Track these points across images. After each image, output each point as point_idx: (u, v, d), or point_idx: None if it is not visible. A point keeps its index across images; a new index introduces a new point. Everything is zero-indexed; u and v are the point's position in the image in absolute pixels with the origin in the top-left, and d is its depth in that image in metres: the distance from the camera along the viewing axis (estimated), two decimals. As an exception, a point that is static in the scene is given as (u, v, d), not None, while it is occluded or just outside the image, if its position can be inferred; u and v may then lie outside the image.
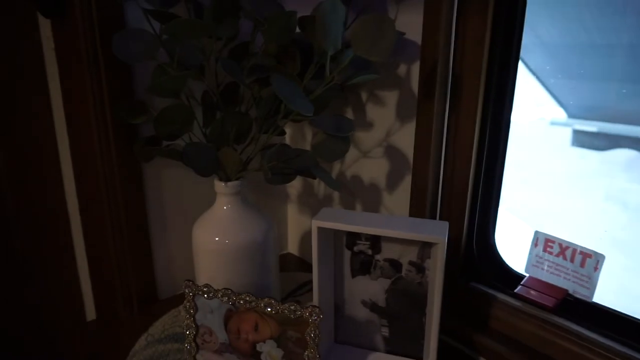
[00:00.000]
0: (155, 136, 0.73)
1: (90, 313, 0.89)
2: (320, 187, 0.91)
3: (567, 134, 2.47)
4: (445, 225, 0.57)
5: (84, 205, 0.83)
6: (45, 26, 0.73)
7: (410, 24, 0.64)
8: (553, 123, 2.40)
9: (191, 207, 0.83)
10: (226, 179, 0.69)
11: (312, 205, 0.93)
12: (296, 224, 0.99)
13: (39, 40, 0.75)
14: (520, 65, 0.64)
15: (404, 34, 0.65)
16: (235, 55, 0.71)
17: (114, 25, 0.67)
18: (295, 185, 0.96)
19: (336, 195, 0.87)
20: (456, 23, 0.60)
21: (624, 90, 1.91)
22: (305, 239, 0.97)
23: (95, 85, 0.68)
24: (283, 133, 0.88)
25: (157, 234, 0.81)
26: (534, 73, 1.90)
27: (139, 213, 0.77)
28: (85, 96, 0.69)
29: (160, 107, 0.61)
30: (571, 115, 2.34)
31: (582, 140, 2.40)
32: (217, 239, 0.70)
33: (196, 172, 0.66)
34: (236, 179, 0.69)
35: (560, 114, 2.34)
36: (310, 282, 0.84)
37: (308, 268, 0.94)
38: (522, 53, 0.64)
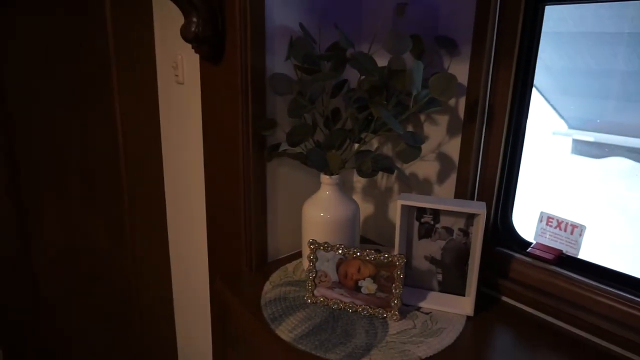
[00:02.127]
0: (275, 144, 1.06)
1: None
2: (382, 182, 1.23)
3: (567, 143, 2.79)
4: (483, 204, 0.90)
5: (220, 191, 1.16)
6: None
7: (459, 71, 0.97)
8: (555, 133, 2.72)
9: (294, 194, 1.15)
10: (330, 173, 1.02)
11: (375, 195, 1.25)
12: (362, 210, 1.31)
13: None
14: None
15: (462, 84, 0.98)
16: (336, 89, 1.03)
17: (259, 70, 1.00)
18: (361, 181, 1.29)
19: (395, 188, 1.19)
20: (492, 72, 0.93)
21: (615, 106, 2.24)
22: (368, 221, 1.29)
23: (244, 108, 1.00)
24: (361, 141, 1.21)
25: (270, 213, 1.13)
26: (539, 91, 2.23)
27: (262, 198, 1.09)
28: (236, 116, 1.02)
29: (282, 125, 0.94)
30: (570, 126, 2.67)
31: (581, 148, 2.73)
32: (321, 214, 1.02)
33: (313, 167, 0.99)
34: (337, 174, 1.02)
35: (562, 126, 2.66)
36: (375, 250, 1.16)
37: (367, 241, 1.26)
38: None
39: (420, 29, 1.00)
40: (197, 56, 1.15)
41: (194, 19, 0.97)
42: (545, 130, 2.67)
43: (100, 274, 1.56)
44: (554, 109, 2.50)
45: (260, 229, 1.12)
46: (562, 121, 2.62)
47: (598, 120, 2.44)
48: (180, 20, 1.00)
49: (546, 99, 2.43)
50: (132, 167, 1.50)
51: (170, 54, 1.35)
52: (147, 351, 1.72)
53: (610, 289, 0.86)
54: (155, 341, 1.72)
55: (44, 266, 1.45)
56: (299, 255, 1.18)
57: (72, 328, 1.56)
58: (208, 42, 1.00)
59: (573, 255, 0.94)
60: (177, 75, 1.32)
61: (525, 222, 1.11)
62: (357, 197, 1.29)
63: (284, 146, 1.03)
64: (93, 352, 1.62)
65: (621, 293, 0.85)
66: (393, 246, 1.17)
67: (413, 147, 0.93)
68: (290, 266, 1.12)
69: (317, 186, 1.05)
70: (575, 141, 2.72)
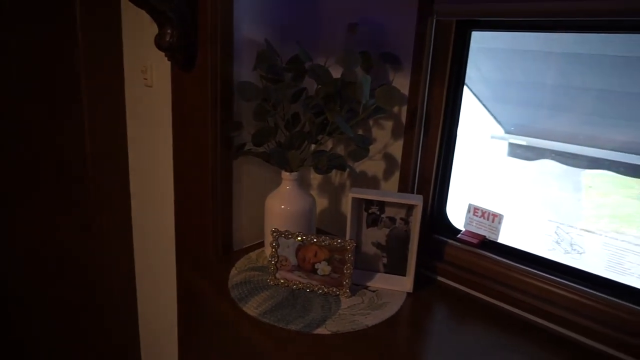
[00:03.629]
0: (241, 144, 1.18)
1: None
2: (335, 179, 1.38)
3: (504, 146, 3.09)
4: (420, 197, 1.06)
5: (189, 186, 1.26)
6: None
7: (401, 83, 1.13)
8: (493, 137, 3.00)
9: (257, 189, 1.27)
10: (290, 170, 1.15)
11: (329, 191, 1.40)
12: (318, 204, 1.44)
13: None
14: (469, 93, 1.13)
15: (404, 95, 1.13)
16: (295, 96, 1.17)
17: (228, 77, 1.11)
18: (317, 178, 1.43)
19: (347, 184, 1.34)
20: (429, 85, 1.10)
21: (545, 114, 2.54)
22: (323, 213, 1.43)
23: (213, 112, 1.12)
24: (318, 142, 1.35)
25: (235, 206, 1.24)
26: (478, 99, 2.48)
27: (228, 193, 1.21)
28: (205, 118, 1.13)
29: (247, 127, 1.07)
30: (506, 131, 2.95)
31: (515, 151, 3.03)
32: (282, 206, 1.15)
33: (275, 165, 1.12)
34: (296, 171, 1.15)
35: (499, 130, 2.94)
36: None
37: (322, 232, 1.40)
38: (470, 84, 1.13)
39: (368, 46, 1.16)
40: (166, 61, 1.25)
41: (169, 31, 1.08)
42: (484, 134, 2.96)
43: (66, 267, 1.61)
44: (492, 115, 2.76)
45: (226, 221, 1.23)
46: (499, 126, 2.90)
47: (530, 126, 2.74)
48: (150, 26, 1.10)
49: (485, 106, 2.69)
50: (97, 163, 1.56)
51: (138, 57, 1.43)
52: (107, 338, 1.77)
53: (522, 267, 1.05)
54: (116, 327, 1.78)
55: (10, 263, 1.49)
56: (261, 245, 1.30)
57: (39, 321, 1.60)
58: (181, 52, 1.10)
59: (494, 240, 1.13)
60: (145, 79, 1.41)
61: (462, 214, 1.29)
62: (313, 192, 1.43)
63: (249, 146, 1.15)
64: (58, 343, 1.67)
65: (530, 269, 1.03)
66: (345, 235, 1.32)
67: (362, 148, 1.08)
68: (253, 254, 1.25)
69: (278, 182, 1.18)
70: (510, 145, 3.02)
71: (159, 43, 1.10)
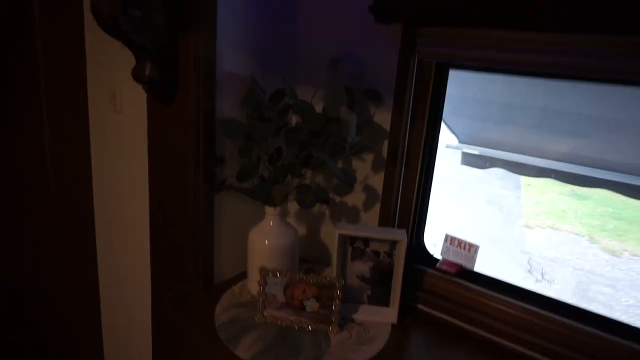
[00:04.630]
0: (223, 180, 1.16)
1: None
2: (315, 208, 1.38)
3: (458, 155, 3.23)
4: (404, 232, 1.09)
5: (167, 220, 1.22)
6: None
7: (383, 118, 1.16)
8: (448, 146, 3.12)
9: (238, 220, 1.26)
10: (274, 205, 1.15)
11: (308, 220, 1.40)
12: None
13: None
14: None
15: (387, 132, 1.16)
16: (277, 129, 1.16)
17: (210, 112, 1.09)
18: (295, 206, 1.43)
19: (326, 213, 1.36)
20: (410, 122, 1.13)
21: (494, 127, 2.70)
22: (302, 241, 1.44)
23: (196, 145, 1.09)
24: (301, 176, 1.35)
25: (216, 239, 1.22)
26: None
27: (210, 226, 1.19)
28: (187, 153, 1.10)
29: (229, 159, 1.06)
30: (460, 141, 3.08)
31: (469, 160, 3.17)
32: (266, 242, 1.15)
33: (260, 201, 1.11)
34: (280, 206, 1.15)
35: (454, 140, 3.07)
36: (309, 269, 1.32)
37: (302, 260, 1.41)
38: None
39: (350, 80, 1.17)
40: (136, 88, 1.20)
41: (148, 64, 1.03)
42: (440, 143, 3.07)
43: (27, 294, 1.51)
44: (447, 126, 2.88)
45: (208, 255, 1.21)
46: (453, 136, 3.02)
47: (482, 137, 2.88)
48: (118, 51, 1.05)
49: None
50: (60, 189, 1.47)
51: (105, 82, 1.36)
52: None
53: (496, 294, 1.11)
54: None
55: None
56: (243, 275, 1.29)
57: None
58: (161, 86, 1.06)
59: (470, 269, 1.19)
60: (115, 104, 1.34)
61: (433, 241, 1.35)
62: (292, 220, 1.43)
63: (231, 179, 1.14)
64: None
65: (504, 298, 1.10)
66: (326, 264, 1.34)
67: (347, 184, 1.10)
68: (237, 288, 1.23)
69: (259, 213, 1.17)
70: (464, 153, 3.16)
71: (138, 76, 1.06)
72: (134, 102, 1.28)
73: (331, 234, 1.36)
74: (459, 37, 0.99)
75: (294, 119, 1.26)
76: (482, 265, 1.18)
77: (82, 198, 1.53)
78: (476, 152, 3.12)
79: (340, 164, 1.28)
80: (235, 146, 1.12)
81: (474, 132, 2.92)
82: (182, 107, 1.08)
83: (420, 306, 1.20)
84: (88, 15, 1.36)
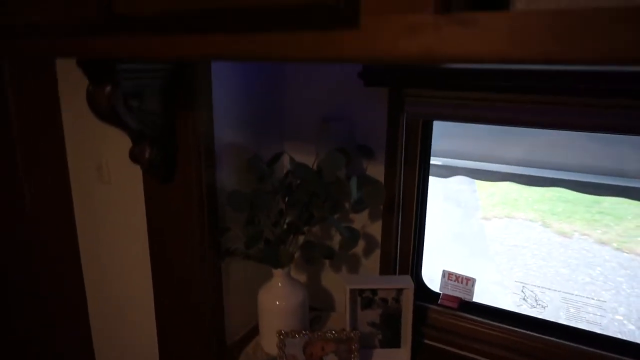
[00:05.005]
0: (228, 248, 1.18)
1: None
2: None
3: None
4: (409, 278, 1.16)
5: (172, 290, 1.22)
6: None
7: (375, 171, 1.22)
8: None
9: (246, 279, 1.28)
10: (281, 266, 1.18)
11: (310, 269, 1.45)
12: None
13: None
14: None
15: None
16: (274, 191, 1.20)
17: (212, 185, 1.11)
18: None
19: (327, 262, 1.40)
20: (403, 173, 1.20)
21: (456, 140, 2.87)
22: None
23: (200, 219, 1.11)
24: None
25: (225, 302, 1.24)
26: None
27: (219, 292, 1.20)
28: (192, 226, 1.11)
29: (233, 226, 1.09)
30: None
31: (433, 171, 3.34)
32: (277, 302, 1.18)
33: (268, 265, 1.15)
34: (287, 266, 1.19)
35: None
36: (316, 316, 1.36)
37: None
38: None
39: (341, 139, 1.23)
40: (123, 158, 1.21)
41: (147, 147, 1.04)
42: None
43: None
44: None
45: (218, 320, 1.22)
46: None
47: (444, 150, 3.05)
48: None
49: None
50: (45, 262, 1.43)
51: (88, 152, 1.34)
52: None
53: (496, 323, 1.20)
54: None
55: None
56: (253, 332, 1.31)
57: None
58: (161, 166, 1.07)
59: (469, 300, 1.27)
60: (101, 175, 1.33)
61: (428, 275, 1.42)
62: (293, 270, 1.47)
63: (235, 245, 1.16)
64: None
65: (503, 325, 1.19)
66: (330, 309, 1.39)
67: (352, 240, 1.15)
68: (249, 349, 1.25)
69: (266, 270, 1.20)
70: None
71: (137, 158, 1.06)
72: (123, 173, 1.27)
73: (332, 280, 1.41)
74: (443, 97, 1.08)
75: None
76: (450, 263, 1.27)
77: (70, 277, 1.49)
78: (439, 163, 3.28)
79: (336, 215, 1.33)
80: (236, 212, 1.15)
81: (436, 145, 3.09)
82: (184, 182, 1.10)
83: (426, 341, 1.27)
84: (64, 93, 1.34)
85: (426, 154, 1.22)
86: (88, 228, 1.45)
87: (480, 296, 1.28)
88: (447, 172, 3.26)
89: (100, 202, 1.37)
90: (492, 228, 5.91)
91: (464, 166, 3.16)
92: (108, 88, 0.90)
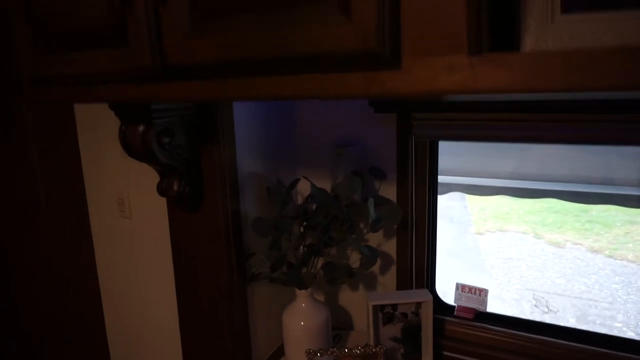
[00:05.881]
0: (253, 273, 1.23)
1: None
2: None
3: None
4: (427, 292, 1.22)
5: (198, 314, 1.26)
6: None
7: (388, 191, 1.29)
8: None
9: (270, 300, 1.32)
10: (305, 287, 1.23)
11: (327, 287, 1.49)
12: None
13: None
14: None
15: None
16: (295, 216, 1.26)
17: (236, 213, 1.17)
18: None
19: (345, 284, 1.45)
20: (415, 192, 1.28)
21: (450, 158, 2.99)
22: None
23: (227, 245, 1.16)
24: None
25: (251, 323, 1.28)
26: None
27: (245, 316, 1.25)
28: (219, 253, 1.16)
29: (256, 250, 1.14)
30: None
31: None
32: (302, 323, 1.23)
33: (293, 286, 1.20)
34: (310, 287, 1.24)
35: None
36: (337, 335, 1.41)
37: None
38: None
39: (354, 163, 1.30)
40: (145, 193, 1.26)
41: (176, 181, 1.10)
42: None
43: None
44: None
45: (245, 341, 1.26)
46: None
47: (440, 167, 3.15)
48: (120, 159, 1.10)
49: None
50: (66, 299, 1.46)
51: (108, 188, 1.39)
52: None
53: (511, 331, 1.26)
54: None
55: None
56: (278, 353, 1.34)
57: None
58: (189, 198, 1.13)
59: (483, 311, 1.33)
60: (122, 211, 1.37)
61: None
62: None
63: (260, 269, 1.22)
64: None
65: (519, 333, 1.25)
66: (349, 327, 1.44)
67: (372, 259, 1.21)
68: (277, 370, 1.29)
69: (289, 291, 1.24)
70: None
71: (165, 192, 1.11)
72: (145, 206, 1.33)
73: (350, 298, 1.46)
74: (448, 119, 1.16)
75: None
76: (450, 278, 1.33)
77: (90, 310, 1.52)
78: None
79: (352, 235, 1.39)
80: (258, 237, 1.20)
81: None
82: (210, 212, 1.15)
83: (445, 353, 1.32)
84: (82, 133, 1.40)
85: (434, 172, 1.30)
86: (108, 260, 1.49)
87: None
88: (442, 188, 3.35)
89: (121, 236, 1.42)
90: (486, 242, 6.00)
91: (458, 182, 3.25)
92: (141, 127, 0.97)
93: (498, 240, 6.04)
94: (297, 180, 1.25)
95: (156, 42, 0.66)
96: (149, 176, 1.26)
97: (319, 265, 1.26)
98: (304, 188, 1.35)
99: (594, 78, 0.45)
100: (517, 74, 0.49)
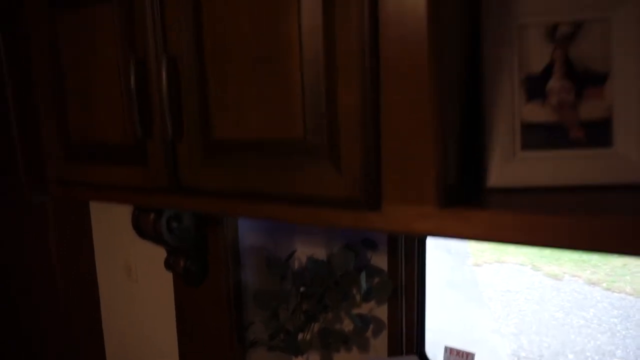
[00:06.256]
0: (251, 340, 1.31)
1: None
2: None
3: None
4: (416, 357, 1.30)
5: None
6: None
7: (379, 261, 1.38)
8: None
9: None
10: (301, 354, 1.31)
11: (321, 349, 1.56)
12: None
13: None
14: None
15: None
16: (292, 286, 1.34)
17: (238, 285, 1.25)
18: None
19: (342, 349, 1.52)
20: (404, 260, 1.36)
21: None
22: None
23: (229, 316, 1.24)
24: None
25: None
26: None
27: (245, 382, 1.32)
28: (221, 323, 1.25)
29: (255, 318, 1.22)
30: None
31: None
32: (300, 386, 1.30)
33: (291, 354, 1.27)
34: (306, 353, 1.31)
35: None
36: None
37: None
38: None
39: (349, 233, 1.39)
40: (151, 258, 1.35)
41: (182, 259, 1.19)
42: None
43: None
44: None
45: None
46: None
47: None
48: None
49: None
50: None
51: (116, 254, 1.48)
52: None
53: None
54: None
55: None
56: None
57: None
58: (195, 274, 1.22)
59: (471, 374, 1.40)
60: (130, 275, 1.46)
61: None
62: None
63: (257, 335, 1.30)
64: None
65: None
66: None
67: (364, 327, 1.29)
68: None
69: (285, 356, 1.32)
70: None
71: (173, 268, 1.20)
72: (151, 272, 1.41)
73: (344, 360, 1.53)
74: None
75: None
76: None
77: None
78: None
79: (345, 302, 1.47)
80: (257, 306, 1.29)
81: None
82: (214, 285, 1.24)
83: (436, 415, 1.39)
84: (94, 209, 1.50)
85: (423, 241, 1.39)
86: (114, 321, 1.56)
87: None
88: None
89: (128, 299, 1.50)
90: (484, 274, 6.03)
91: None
92: (152, 215, 1.06)
93: (496, 272, 6.07)
94: (293, 252, 1.33)
95: (172, 167, 0.77)
96: (154, 248, 1.35)
97: (315, 329, 1.33)
98: (300, 252, 1.43)
99: (538, 238, 0.55)
100: (478, 227, 0.58)
